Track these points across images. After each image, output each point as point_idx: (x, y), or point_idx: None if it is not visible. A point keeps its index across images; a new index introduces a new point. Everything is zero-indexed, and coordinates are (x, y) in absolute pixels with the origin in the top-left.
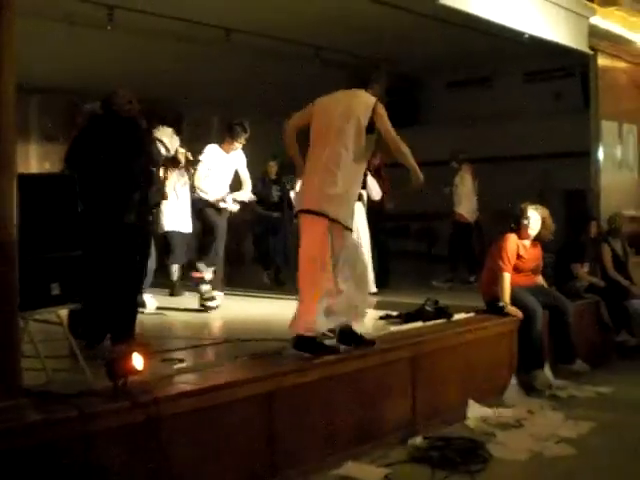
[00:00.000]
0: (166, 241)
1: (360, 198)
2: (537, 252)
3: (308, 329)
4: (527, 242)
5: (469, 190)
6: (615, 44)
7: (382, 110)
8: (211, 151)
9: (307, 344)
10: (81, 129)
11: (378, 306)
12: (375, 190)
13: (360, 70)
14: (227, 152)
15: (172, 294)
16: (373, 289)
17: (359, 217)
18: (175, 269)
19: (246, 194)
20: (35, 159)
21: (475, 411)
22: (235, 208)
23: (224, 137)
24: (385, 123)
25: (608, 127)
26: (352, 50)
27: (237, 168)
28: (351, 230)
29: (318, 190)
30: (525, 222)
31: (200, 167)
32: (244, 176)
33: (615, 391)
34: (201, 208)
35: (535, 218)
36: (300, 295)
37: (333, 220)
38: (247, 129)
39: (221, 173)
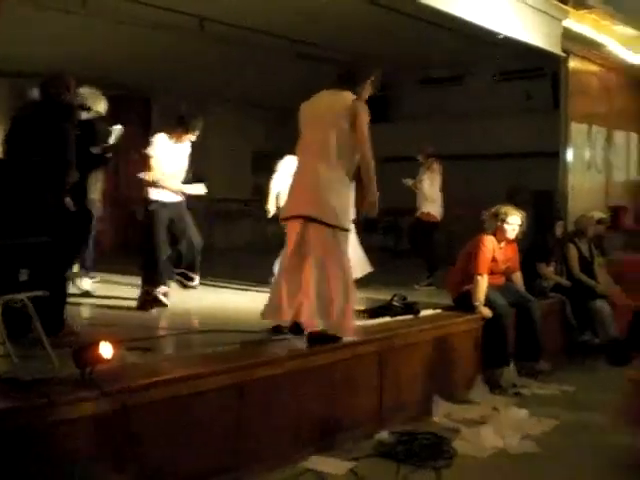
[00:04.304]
0: None
1: None
2: (510, 252)
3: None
4: (502, 244)
5: (437, 188)
6: (587, 47)
7: (363, 110)
8: (160, 142)
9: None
10: (19, 114)
11: None
12: None
13: (351, 68)
14: (176, 142)
15: None
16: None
17: None
18: None
19: (200, 187)
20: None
21: (441, 407)
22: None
23: (174, 127)
24: (362, 123)
25: (577, 129)
26: (326, 44)
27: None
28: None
29: (319, 198)
30: (506, 226)
31: (153, 163)
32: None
33: (578, 390)
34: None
35: (516, 222)
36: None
37: (331, 225)
38: (201, 120)
39: (171, 166)
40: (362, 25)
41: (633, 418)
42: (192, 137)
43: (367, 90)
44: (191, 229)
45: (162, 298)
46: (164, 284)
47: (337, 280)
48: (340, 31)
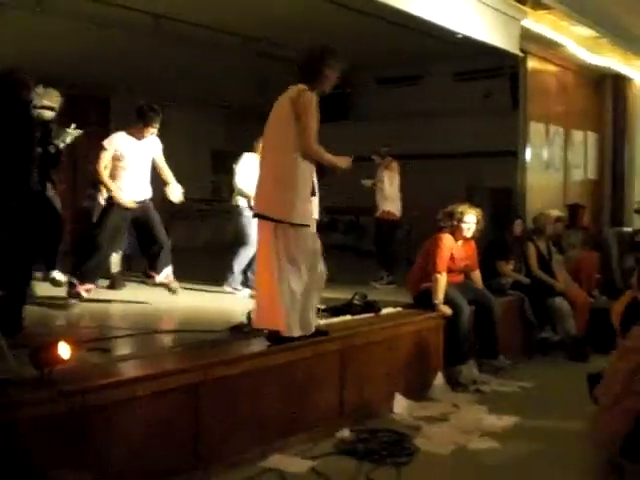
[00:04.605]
0: None
1: None
2: (469, 250)
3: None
4: (460, 242)
5: (396, 186)
6: (545, 47)
7: (307, 99)
8: (118, 139)
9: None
10: None
11: None
12: None
13: (308, 56)
14: (139, 139)
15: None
16: None
17: None
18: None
19: (177, 192)
20: None
21: (401, 404)
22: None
23: (134, 123)
24: (304, 115)
25: (536, 128)
26: (284, 42)
27: (154, 157)
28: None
29: (267, 194)
30: (463, 225)
31: (103, 155)
32: (163, 166)
33: (538, 386)
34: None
35: (473, 221)
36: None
37: (279, 221)
38: (159, 112)
39: (135, 164)
40: (321, 23)
41: (601, 441)
42: (152, 131)
43: (326, 78)
44: (156, 227)
45: (84, 294)
46: (91, 282)
47: (280, 280)
48: (299, 30)
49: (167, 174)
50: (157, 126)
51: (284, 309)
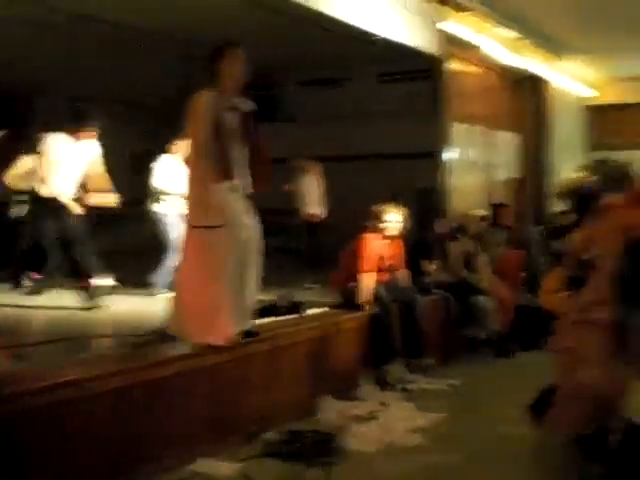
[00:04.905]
0: None
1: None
2: (395, 249)
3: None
4: (387, 241)
5: (316, 189)
6: (466, 48)
7: (191, 104)
8: (55, 141)
9: None
10: None
11: None
12: None
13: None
14: (74, 141)
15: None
16: None
17: None
18: None
19: (111, 196)
20: None
21: (329, 405)
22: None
23: (71, 125)
24: (190, 119)
25: (459, 129)
26: (208, 44)
27: (90, 160)
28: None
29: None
30: (384, 224)
31: (44, 160)
32: (100, 172)
33: (464, 383)
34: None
35: (395, 219)
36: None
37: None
38: (97, 115)
39: (66, 166)
40: (244, 25)
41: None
42: (88, 135)
43: (223, 73)
44: (58, 230)
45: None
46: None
47: (189, 287)
48: (221, 31)
49: (104, 181)
50: (93, 129)
51: (195, 317)
